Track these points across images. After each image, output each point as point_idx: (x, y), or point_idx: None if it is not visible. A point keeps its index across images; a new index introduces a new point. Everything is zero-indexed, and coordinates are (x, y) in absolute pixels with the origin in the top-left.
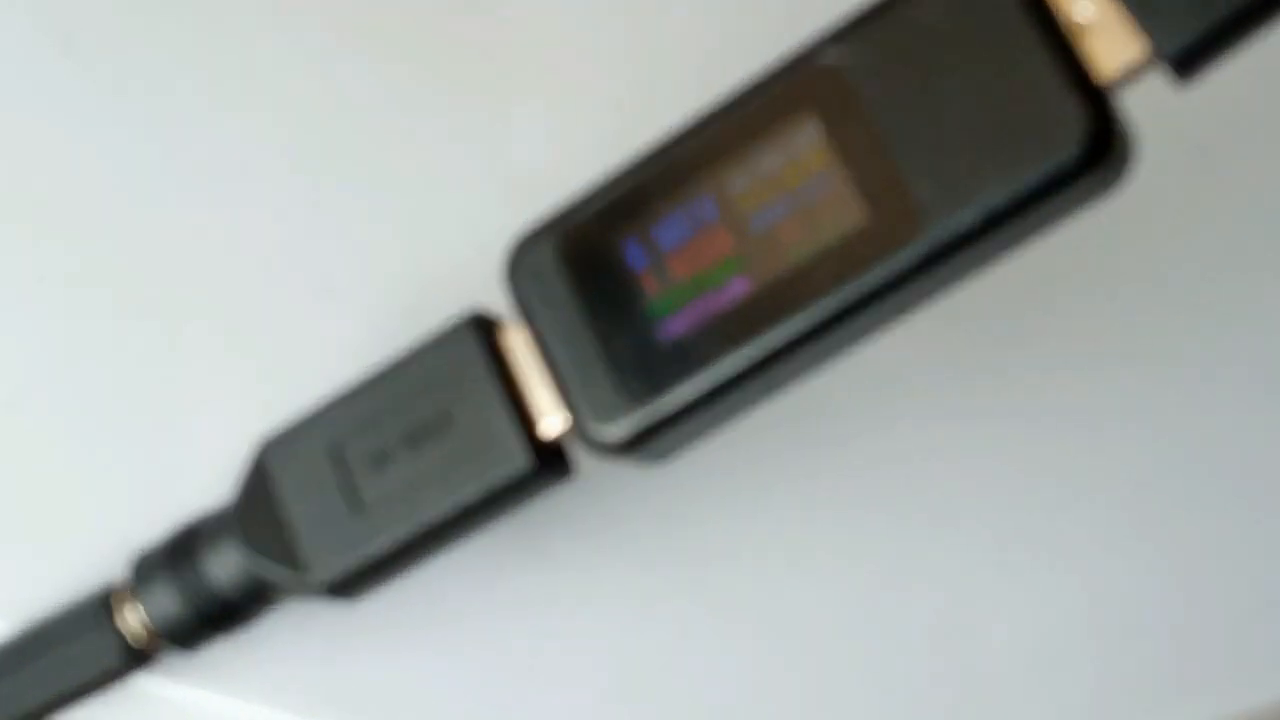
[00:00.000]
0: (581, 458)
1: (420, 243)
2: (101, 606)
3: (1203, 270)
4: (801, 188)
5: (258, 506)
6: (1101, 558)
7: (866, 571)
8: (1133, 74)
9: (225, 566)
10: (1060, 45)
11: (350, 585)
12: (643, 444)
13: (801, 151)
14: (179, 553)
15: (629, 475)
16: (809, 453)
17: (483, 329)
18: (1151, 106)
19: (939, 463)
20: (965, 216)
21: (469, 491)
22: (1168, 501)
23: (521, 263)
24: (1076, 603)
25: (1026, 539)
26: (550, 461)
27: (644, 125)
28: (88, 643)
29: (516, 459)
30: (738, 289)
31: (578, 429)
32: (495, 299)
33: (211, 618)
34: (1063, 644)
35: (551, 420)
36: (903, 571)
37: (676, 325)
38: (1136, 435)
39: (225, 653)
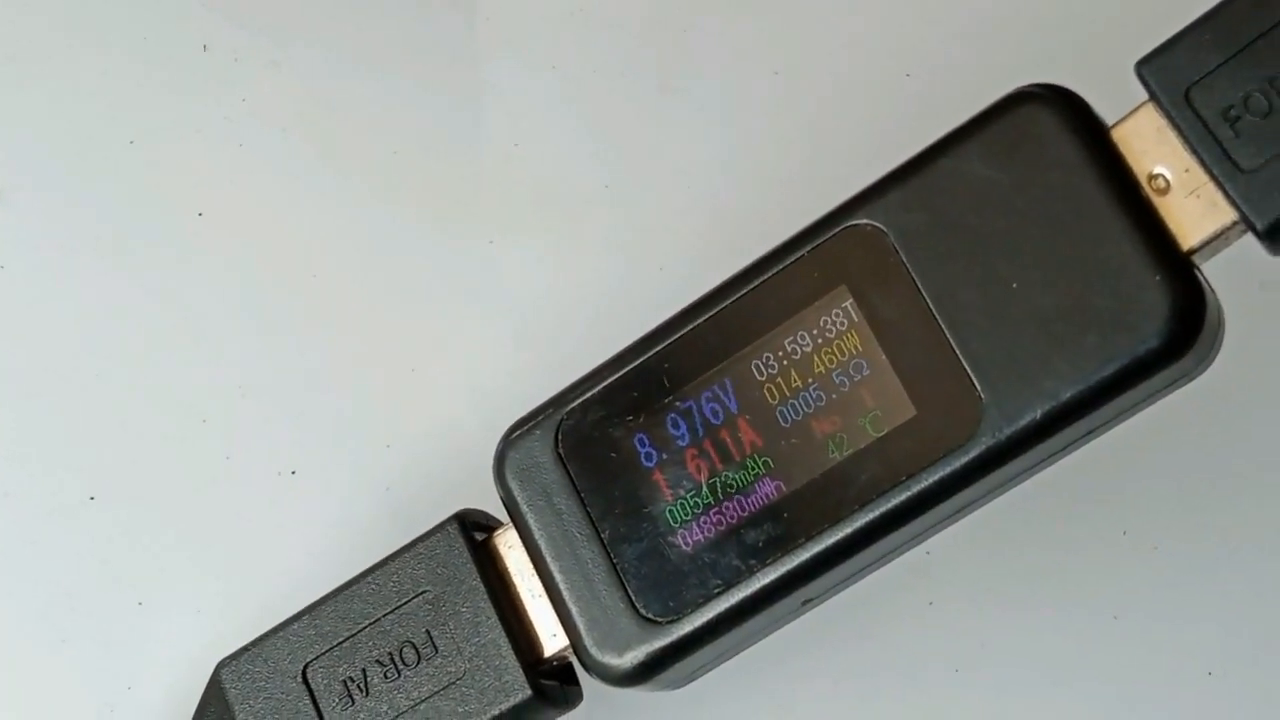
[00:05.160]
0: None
1: (395, 414)
2: None
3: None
4: (836, 373)
5: None
6: None
7: None
8: (1218, 245)
9: None
10: (1140, 210)
11: None
12: (655, 673)
13: (834, 330)
14: None
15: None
16: (838, 650)
17: (471, 532)
18: None
19: (973, 657)
20: (1032, 411)
21: None
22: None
23: (513, 458)
24: None
25: None
26: (552, 689)
27: (642, 269)
28: None
29: (513, 688)
30: (766, 492)
31: (579, 653)
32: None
33: None
34: None
35: (553, 642)
36: None
37: (695, 534)
38: (1183, 628)
39: None
